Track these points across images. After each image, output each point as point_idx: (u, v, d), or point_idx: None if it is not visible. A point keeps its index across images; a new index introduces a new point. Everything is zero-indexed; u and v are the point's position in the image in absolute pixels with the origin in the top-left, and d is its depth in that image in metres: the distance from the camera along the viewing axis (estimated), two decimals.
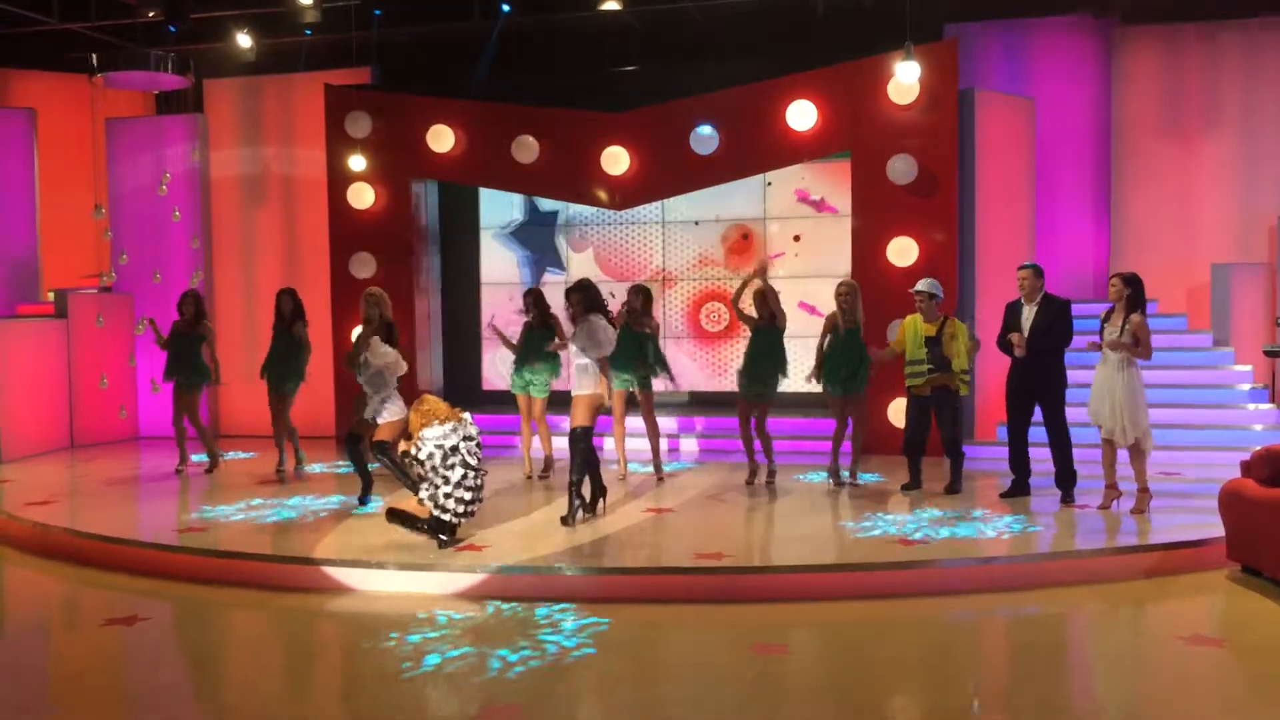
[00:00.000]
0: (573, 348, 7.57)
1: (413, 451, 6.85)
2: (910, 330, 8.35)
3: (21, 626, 6.41)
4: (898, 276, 10.08)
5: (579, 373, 7.55)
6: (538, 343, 9.23)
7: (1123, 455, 7.64)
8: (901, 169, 10.20)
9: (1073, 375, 8.19)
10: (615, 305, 9.66)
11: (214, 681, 5.31)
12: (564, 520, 7.37)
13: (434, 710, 4.82)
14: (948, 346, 8.19)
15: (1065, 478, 7.97)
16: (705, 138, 10.77)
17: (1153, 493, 7.57)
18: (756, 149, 10.81)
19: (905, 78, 9.86)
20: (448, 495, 6.81)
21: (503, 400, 10.02)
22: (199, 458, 10.25)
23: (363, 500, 8.28)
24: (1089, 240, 11.80)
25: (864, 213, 10.54)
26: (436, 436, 6.78)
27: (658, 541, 7.10)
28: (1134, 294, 7.41)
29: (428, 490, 6.85)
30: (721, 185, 11.33)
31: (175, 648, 5.83)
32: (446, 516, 6.84)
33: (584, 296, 7.50)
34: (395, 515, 6.93)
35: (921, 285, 8.37)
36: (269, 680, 5.24)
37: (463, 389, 12.22)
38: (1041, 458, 8.19)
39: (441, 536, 6.82)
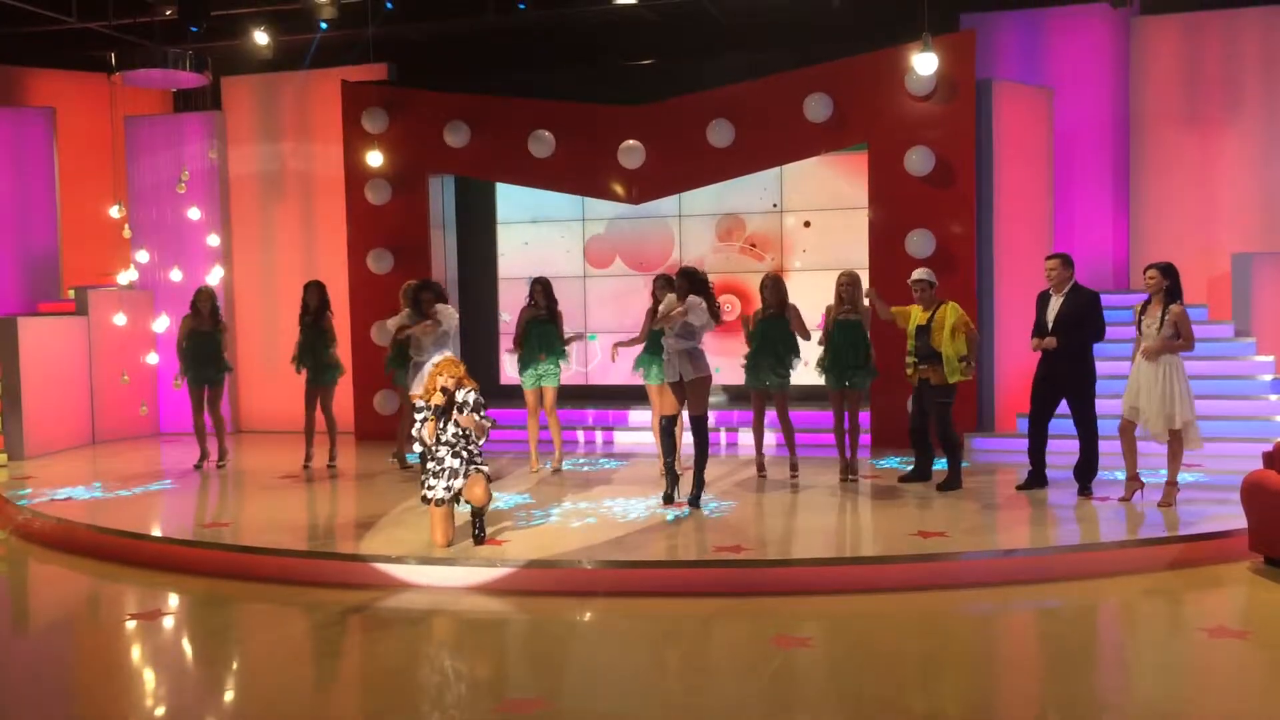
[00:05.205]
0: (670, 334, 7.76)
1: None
2: (910, 318, 8.25)
3: (45, 621, 6.47)
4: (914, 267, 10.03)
5: (667, 361, 7.74)
6: (548, 335, 9.17)
7: (1149, 447, 7.58)
8: (918, 161, 10.16)
9: (1103, 367, 8.13)
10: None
11: (234, 674, 5.33)
12: (692, 503, 7.79)
13: (453, 703, 4.84)
14: (935, 336, 8.02)
15: (1086, 470, 7.92)
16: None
17: (1180, 486, 7.52)
18: (773, 142, 10.78)
19: (923, 69, 9.80)
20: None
21: (520, 395, 9.99)
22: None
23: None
24: (1108, 230, 11.71)
25: (881, 205, 10.50)
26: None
27: (675, 535, 7.11)
28: (1172, 285, 7.34)
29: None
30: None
31: (198, 642, 5.86)
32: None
33: (689, 281, 7.79)
34: (479, 514, 6.84)
35: (918, 274, 8.25)
36: (289, 673, 5.27)
37: (478, 383, 12.15)
38: (1058, 450, 8.14)
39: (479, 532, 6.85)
